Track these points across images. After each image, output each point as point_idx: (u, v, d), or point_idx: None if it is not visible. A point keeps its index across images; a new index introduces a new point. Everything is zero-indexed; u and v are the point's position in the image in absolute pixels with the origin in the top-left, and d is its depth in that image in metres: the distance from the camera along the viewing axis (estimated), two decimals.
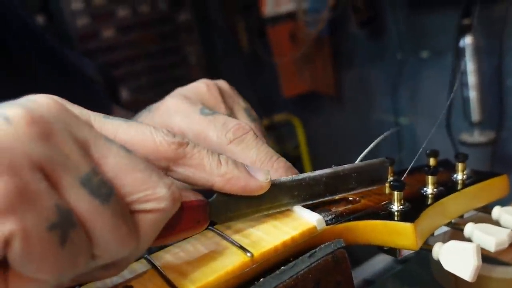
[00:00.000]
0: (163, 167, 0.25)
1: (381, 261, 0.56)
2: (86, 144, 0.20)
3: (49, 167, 0.18)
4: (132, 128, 0.24)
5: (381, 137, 0.36)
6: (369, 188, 0.32)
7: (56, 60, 0.52)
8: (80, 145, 0.20)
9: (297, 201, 0.29)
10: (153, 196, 0.21)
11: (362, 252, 0.41)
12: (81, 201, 0.19)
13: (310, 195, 0.29)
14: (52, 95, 0.21)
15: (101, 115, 0.24)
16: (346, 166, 0.31)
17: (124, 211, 0.20)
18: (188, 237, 0.27)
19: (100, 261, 0.20)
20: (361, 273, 0.56)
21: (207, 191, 0.27)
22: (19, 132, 0.18)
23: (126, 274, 0.25)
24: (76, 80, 0.54)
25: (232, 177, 0.26)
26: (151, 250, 0.27)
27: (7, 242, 0.17)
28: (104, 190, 0.20)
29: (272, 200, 0.28)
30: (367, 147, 0.39)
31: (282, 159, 0.31)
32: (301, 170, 0.31)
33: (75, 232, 0.19)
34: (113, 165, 0.21)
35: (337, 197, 0.32)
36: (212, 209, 0.26)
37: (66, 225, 0.18)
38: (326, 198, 0.30)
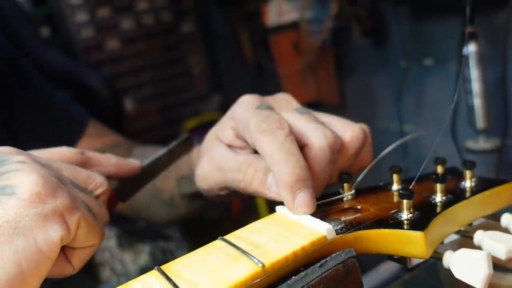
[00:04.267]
0: None
1: (389, 269, 0.56)
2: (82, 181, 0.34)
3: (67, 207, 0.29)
4: (50, 151, 0.36)
5: (397, 143, 0.35)
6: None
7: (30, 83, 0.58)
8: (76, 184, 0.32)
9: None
10: (97, 182, 0.34)
11: (368, 260, 0.40)
12: (88, 202, 0.32)
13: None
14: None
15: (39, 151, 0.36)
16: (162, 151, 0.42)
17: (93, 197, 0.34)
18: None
19: (98, 219, 0.32)
20: (369, 281, 0.56)
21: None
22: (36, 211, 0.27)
23: (137, 286, 0.25)
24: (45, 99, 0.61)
25: (119, 165, 0.39)
26: (160, 262, 0.27)
27: (76, 228, 0.28)
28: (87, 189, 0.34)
29: (155, 172, 0.42)
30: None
31: (295, 161, 0.32)
32: None
33: (92, 214, 0.31)
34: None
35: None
36: (117, 192, 0.40)
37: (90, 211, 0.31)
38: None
